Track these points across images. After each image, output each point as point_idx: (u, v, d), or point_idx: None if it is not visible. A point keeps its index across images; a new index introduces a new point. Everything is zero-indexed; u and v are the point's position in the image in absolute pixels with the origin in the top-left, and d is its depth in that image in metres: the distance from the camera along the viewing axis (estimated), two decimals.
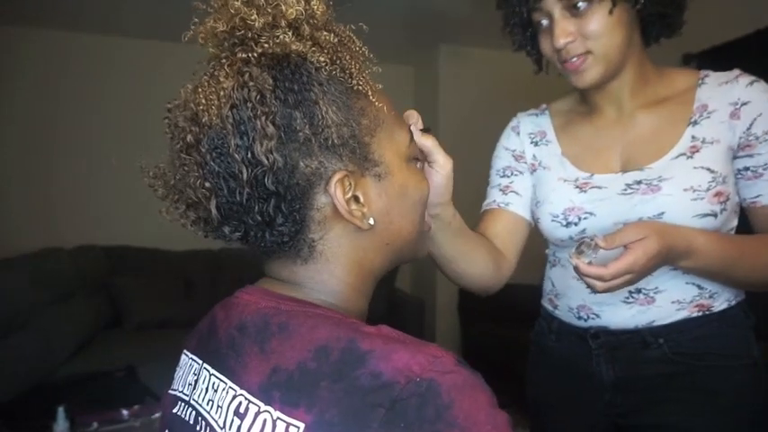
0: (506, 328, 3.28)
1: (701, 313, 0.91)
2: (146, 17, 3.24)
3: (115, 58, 3.56)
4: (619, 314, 0.93)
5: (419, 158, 0.61)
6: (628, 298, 0.92)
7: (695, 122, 0.89)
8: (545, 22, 0.89)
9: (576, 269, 0.78)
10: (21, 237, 3.11)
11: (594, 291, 0.79)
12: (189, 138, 0.49)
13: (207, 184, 0.49)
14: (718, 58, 2.71)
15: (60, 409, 1.73)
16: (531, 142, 1.05)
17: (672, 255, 0.80)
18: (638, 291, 0.91)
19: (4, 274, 2.35)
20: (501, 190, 1.05)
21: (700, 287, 0.91)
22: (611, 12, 0.83)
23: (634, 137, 0.94)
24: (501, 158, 1.08)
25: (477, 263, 0.91)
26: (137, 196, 3.58)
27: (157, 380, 2.22)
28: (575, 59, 0.87)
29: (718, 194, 0.86)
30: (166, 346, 2.47)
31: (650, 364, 0.92)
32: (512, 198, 1.03)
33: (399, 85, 4.15)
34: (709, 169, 0.86)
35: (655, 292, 0.91)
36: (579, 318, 0.98)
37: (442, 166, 0.69)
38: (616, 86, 0.93)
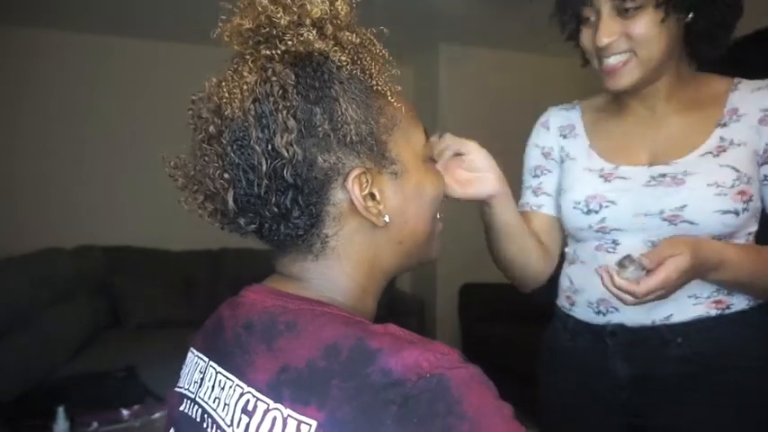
0: (506, 328, 3.29)
1: (718, 311, 0.91)
2: (143, 17, 3.24)
3: (113, 57, 3.55)
4: (637, 307, 0.92)
5: (434, 159, 0.63)
6: None
7: (725, 124, 0.90)
8: (593, 18, 0.89)
9: (611, 281, 0.78)
10: (21, 237, 3.11)
11: (623, 303, 0.80)
12: (211, 129, 0.50)
13: (226, 176, 0.50)
14: (718, 58, 2.70)
15: (60, 409, 1.73)
16: (561, 135, 1.06)
17: (703, 269, 0.81)
18: None
19: (4, 274, 2.34)
20: (533, 192, 1.08)
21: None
22: (663, 21, 0.83)
23: (663, 135, 0.95)
24: (531, 157, 1.10)
25: (533, 261, 0.99)
26: (136, 196, 3.59)
27: (157, 380, 2.22)
28: (617, 61, 0.87)
29: (741, 193, 0.86)
30: (166, 346, 2.49)
31: (668, 363, 0.92)
32: (543, 200, 1.06)
33: (399, 85, 4.13)
34: (734, 168, 0.87)
35: None
36: (598, 312, 0.98)
37: (475, 153, 0.81)
38: (651, 92, 0.94)
